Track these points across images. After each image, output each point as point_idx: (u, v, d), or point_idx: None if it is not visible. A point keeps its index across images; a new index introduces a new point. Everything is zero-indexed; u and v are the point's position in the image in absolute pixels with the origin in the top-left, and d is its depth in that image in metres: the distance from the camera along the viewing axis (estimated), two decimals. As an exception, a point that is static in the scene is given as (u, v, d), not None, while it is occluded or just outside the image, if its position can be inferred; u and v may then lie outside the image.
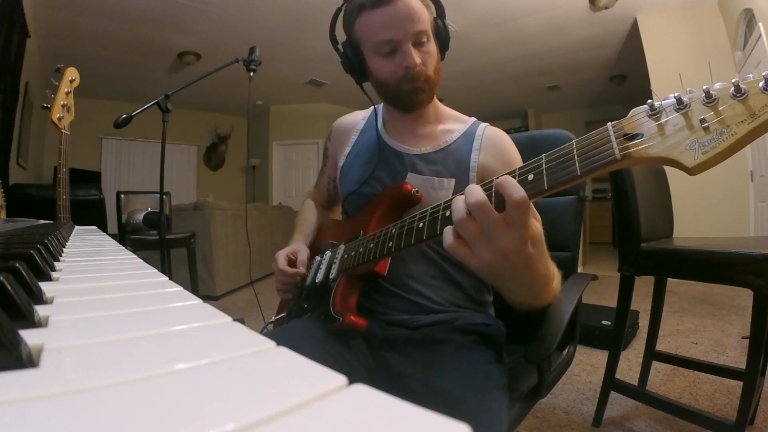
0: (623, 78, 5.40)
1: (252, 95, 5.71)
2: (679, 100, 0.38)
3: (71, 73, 1.32)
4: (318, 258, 0.83)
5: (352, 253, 0.70)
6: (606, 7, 3.70)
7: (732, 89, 0.36)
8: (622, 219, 1.18)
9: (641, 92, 4.60)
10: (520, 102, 6.58)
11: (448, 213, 0.49)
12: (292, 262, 0.84)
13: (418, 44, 0.73)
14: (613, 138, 0.41)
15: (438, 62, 0.77)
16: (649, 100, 0.40)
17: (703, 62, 3.59)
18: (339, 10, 0.79)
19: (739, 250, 0.96)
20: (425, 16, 0.73)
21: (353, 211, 0.86)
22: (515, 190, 0.42)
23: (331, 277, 0.73)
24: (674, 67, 3.71)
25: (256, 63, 1.88)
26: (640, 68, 4.03)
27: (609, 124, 0.42)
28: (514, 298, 0.53)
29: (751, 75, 0.36)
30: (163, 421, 0.12)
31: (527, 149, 0.86)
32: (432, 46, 0.75)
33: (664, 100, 0.40)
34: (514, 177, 0.45)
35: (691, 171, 0.37)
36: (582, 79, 5.56)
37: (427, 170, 0.79)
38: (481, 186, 0.46)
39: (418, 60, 0.72)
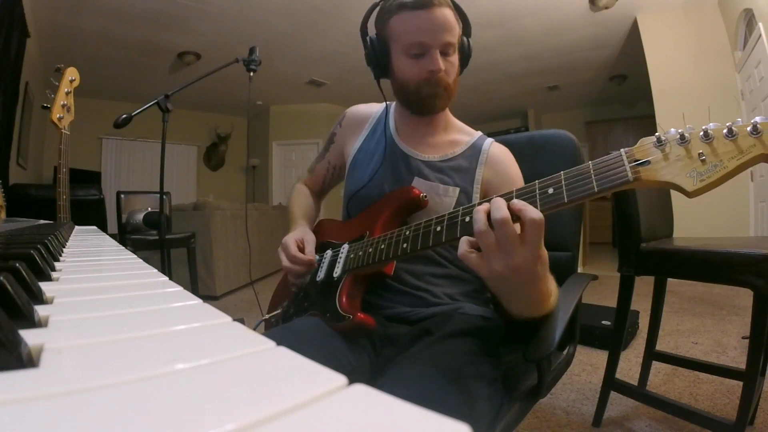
0: (623, 78, 5.40)
1: (252, 95, 5.70)
2: (682, 136, 0.45)
3: (71, 73, 1.32)
4: (317, 256, 0.83)
5: (360, 253, 0.70)
6: (606, 7, 3.70)
7: (725, 130, 0.43)
8: (622, 219, 1.18)
9: (641, 92, 4.61)
10: (520, 102, 6.58)
11: (467, 219, 0.53)
12: (301, 250, 0.81)
13: (445, 53, 0.76)
14: (626, 162, 0.47)
15: (458, 75, 0.80)
16: (657, 133, 0.46)
17: (703, 62, 3.59)
18: (375, 5, 0.81)
19: (739, 250, 0.96)
20: (456, 30, 0.76)
21: (356, 212, 0.86)
22: (534, 211, 0.47)
23: (335, 275, 0.73)
24: (674, 67, 3.71)
25: (256, 63, 1.88)
26: (640, 68, 4.03)
27: (622, 150, 0.48)
28: (513, 309, 0.57)
29: (740, 120, 0.43)
30: (163, 421, 0.12)
31: (527, 149, 0.86)
32: (456, 59, 0.78)
33: (668, 133, 0.46)
34: (534, 190, 0.50)
35: (691, 194, 0.44)
36: (582, 79, 5.55)
37: (433, 177, 0.80)
38: (502, 196, 0.51)
39: (442, 66, 0.75)
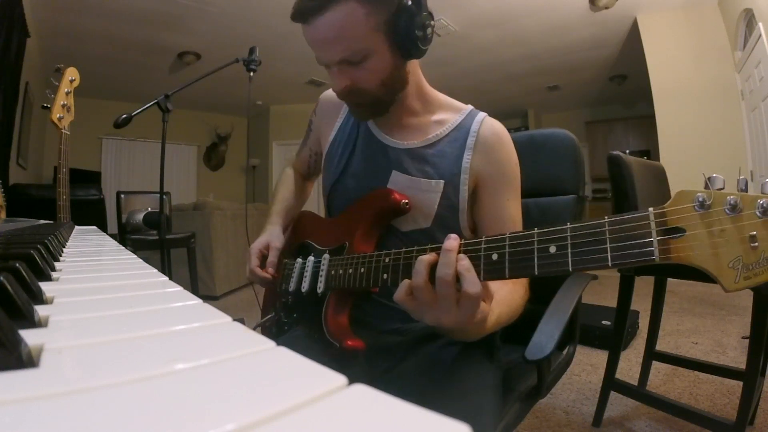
0: (623, 78, 5.40)
1: (252, 95, 5.70)
2: (734, 206, 0.33)
3: (71, 73, 1.32)
4: (300, 260, 0.78)
5: (341, 272, 0.65)
6: (606, 7, 3.70)
7: None
8: (622, 219, 1.18)
9: (641, 92, 4.61)
10: (520, 102, 6.58)
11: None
12: (264, 257, 0.82)
13: (350, 63, 0.63)
14: (653, 230, 0.36)
15: (389, 71, 0.65)
16: (699, 193, 0.34)
17: (703, 62, 3.59)
18: None
19: (739, 250, 0.96)
20: (355, 33, 0.60)
21: (337, 208, 0.81)
22: (473, 284, 0.44)
23: (318, 291, 0.69)
24: (674, 67, 3.71)
25: (256, 63, 1.88)
26: (640, 68, 4.03)
27: (650, 209, 0.37)
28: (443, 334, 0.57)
29: None
30: (163, 421, 0.12)
31: (527, 149, 0.86)
32: (374, 62, 0.63)
33: (713, 179, 0.35)
34: (532, 240, 0.42)
35: (728, 290, 0.33)
36: (582, 79, 5.55)
37: (414, 169, 0.71)
38: (491, 239, 0.46)
39: (340, 86, 0.65)
